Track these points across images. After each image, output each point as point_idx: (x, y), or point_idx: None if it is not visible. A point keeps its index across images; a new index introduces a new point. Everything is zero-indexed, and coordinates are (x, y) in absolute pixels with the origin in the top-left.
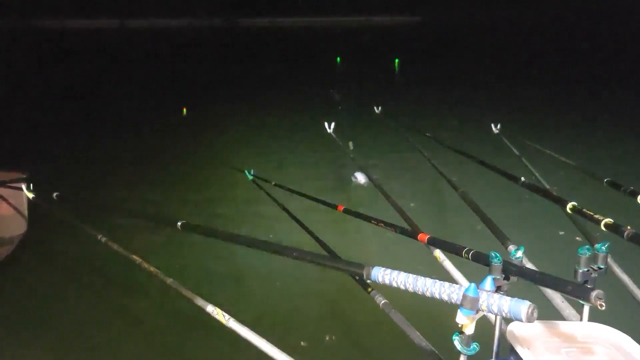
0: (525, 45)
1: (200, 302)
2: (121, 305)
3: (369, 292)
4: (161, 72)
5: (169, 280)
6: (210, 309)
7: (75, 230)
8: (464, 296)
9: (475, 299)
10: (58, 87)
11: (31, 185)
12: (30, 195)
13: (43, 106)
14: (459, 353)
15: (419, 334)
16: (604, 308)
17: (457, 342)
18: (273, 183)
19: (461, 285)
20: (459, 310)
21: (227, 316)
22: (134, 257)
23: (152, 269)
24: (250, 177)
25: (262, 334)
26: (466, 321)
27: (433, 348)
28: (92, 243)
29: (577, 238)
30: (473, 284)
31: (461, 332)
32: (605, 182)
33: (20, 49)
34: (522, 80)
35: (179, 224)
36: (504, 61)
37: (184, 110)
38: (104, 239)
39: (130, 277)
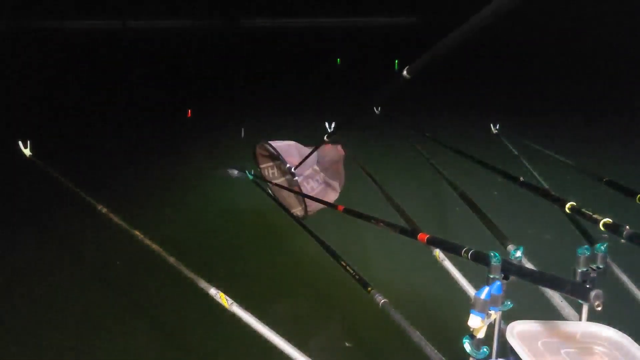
0: (524, 44)
1: (203, 284)
2: (119, 278)
3: (369, 292)
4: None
5: (171, 259)
6: (213, 292)
7: (72, 196)
8: (476, 299)
9: (487, 302)
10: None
11: (28, 142)
12: (28, 153)
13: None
14: (467, 355)
15: (418, 333)
16: (601, 308)
17: (467, 345)
18: (273, 183)
19: None
20: (471, 314)
21: (230, 300)
22: (136, 232)
23: (154, 246)
24: (251, 177)
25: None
26: (478, 324)
27: (433, 348)
28: (91, 213)
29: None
30: (487, 288)
31: (472, 336)
32: (605, 182)
33: (21, 50)
34: (522, 80)
35: None
36: (503, 61)
37: (189, 112)
38: (104, 210)
39: (129, 251)
